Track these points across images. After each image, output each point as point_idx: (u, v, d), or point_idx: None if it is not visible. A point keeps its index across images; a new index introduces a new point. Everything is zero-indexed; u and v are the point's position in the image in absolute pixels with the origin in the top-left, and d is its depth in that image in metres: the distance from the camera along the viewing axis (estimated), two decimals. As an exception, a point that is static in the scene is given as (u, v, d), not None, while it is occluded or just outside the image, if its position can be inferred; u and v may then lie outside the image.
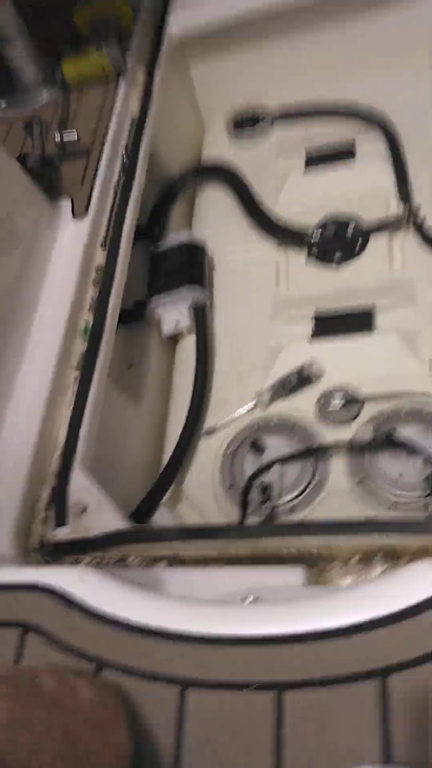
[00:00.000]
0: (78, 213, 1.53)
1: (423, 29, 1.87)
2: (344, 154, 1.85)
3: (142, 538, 1.10)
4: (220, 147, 2.07)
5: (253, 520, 1.31)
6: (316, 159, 1.88)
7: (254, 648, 0.79)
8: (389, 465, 1.31)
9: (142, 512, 1.32)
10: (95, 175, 1.59)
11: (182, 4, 1.88)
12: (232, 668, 0.78)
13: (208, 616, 0.83)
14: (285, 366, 1.51)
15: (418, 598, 0.79)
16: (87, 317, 1.38)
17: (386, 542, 0.97)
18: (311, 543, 1.00)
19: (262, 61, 2.02)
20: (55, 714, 0.68)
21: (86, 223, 1.50)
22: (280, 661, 0.78)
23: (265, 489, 1.31)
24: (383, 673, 0.74)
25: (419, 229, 1.61)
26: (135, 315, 1.63)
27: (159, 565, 1.06)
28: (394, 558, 0.96)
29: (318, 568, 1.00)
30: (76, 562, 1.08)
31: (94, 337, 1.33)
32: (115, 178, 1.61)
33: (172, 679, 0.79)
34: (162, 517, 1.33)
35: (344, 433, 1.37)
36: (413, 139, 1.78)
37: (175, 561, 1.06)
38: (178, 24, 1.86)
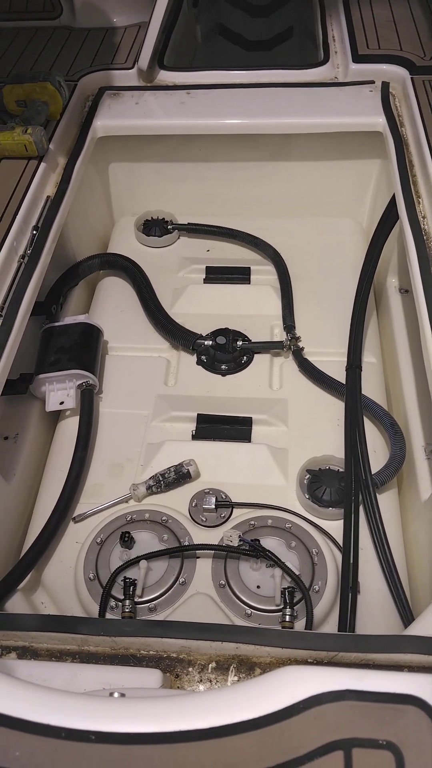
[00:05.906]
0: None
1: (316, 183, 2.14)
2: (240, 278, 2.02)
3: (-8, 624, 1.03)
4: (125, 243, 2.16)
5: (112, 616, 1.27)
6: (215, 276, 2.02)
7: (119, 746, 0.76)
8: (249, 575, 1.35)
9: (-7, 596, 1.23)
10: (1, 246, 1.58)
11: (109, 112, 2.01)
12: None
13: (76, 710, 0.78)
14: (164, 461, 1.54)
15: (281, 704, 0.80)
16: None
17: (242, 652, 0.98)
18: (171, 645, 1.00)
19: (175, 178, 2.19)
20: None
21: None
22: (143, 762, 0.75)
23: (129, 585, 1.29)
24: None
25: (297, 356, 1.78)
26: (18, 387, 1.59)
27: (8, 657, 0.99)
28: (249, 668, 0.98)
29: (174, 672, 0.99)
30: None
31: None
32: (21, 251, 1.61)
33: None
34: (15, 604, 1.25)
35: (213, 536, 1.41)
36: (300, 279, 1.99)
37: (28, 653, 1.00)
38: (103, 122, 1.97)
